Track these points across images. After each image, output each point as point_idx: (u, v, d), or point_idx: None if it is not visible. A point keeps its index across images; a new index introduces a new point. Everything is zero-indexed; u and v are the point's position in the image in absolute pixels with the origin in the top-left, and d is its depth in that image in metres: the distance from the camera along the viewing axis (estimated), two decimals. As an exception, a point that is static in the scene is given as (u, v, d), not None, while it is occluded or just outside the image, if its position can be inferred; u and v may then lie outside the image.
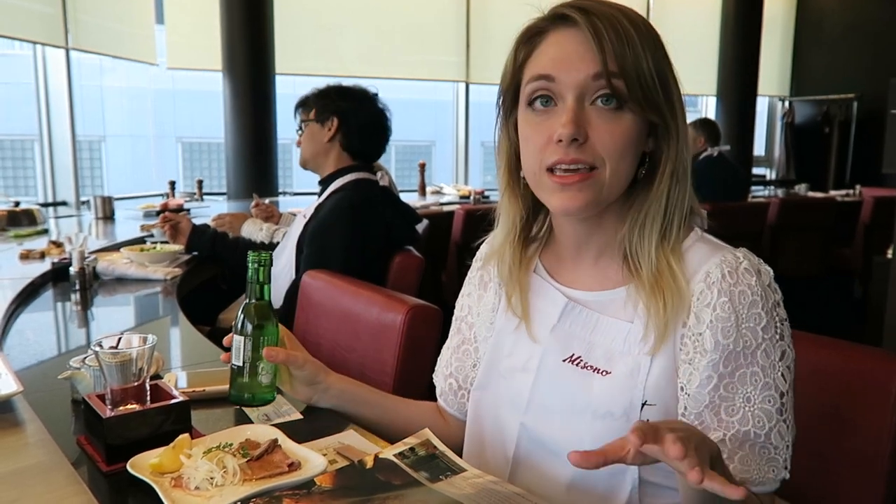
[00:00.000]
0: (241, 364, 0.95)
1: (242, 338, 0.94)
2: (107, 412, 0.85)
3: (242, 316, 0.95)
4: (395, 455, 0.82)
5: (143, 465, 0.79)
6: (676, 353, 0.80)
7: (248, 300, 0.95)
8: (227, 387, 1.00)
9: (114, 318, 1.79)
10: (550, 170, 0.78)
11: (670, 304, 0.78)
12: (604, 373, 0.82)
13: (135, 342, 0.90)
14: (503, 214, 0.92)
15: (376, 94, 2.12)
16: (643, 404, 0.80)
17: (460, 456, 0.95)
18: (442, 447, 0.84)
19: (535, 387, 0.87)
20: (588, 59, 0.76)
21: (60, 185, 4.54)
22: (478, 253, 1.04)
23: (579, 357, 0.84)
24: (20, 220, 3.11)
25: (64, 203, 4.50)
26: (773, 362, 0.78)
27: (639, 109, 0.76)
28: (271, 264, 0.96)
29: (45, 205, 4.33)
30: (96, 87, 11.67)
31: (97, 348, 0.87)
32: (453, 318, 1.06)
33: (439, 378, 1.06)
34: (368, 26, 5.63)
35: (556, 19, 0.80)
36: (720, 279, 0.78)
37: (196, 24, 5.02)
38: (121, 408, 0.87)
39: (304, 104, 2.13)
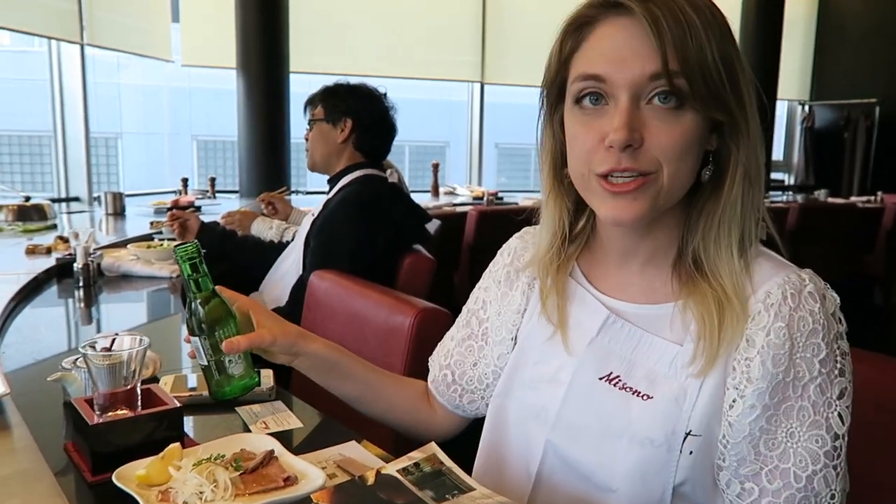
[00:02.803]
0: (206, 364, 0.88)
1: (198, 338, 0.87)
2: (94, 418, 0.81)
3: (190, 316, 0.87)
4: (398, 471, 0.76)
5: (129, 476, 0.74)
6: (726, 379, 0.72)
7: (189, 299, 0.87)
8: None
9: (117, 315, 1.75)
10: (602, 175, 0.71)
11: (731, 324, 0.71)
12: (645, 396, 0.75)
13: (127, 343, 0.85)
14: (548, 217, 0.84)
15: (385, 94, 2.09)
16: (687, 434, 0.73)
17: (472, 466, 0.90)
18: (449, 463, 0.78)
19: (565, 402, 0.79)
20: (644, 56, 0.67)
21: (74, 181, 4.54)
22: (506, 245, 0.95)
23: (618, 377, 0.77)
24: (30, 214, 3.09)
25: (77, 199, 4.49)
26: (829, 400, 0.70)
27: (702, 107, 0.68)
28: (199, 254, 0.87)
29: (58, 200, 4.32)
30: (114, 85, 11.73)
31: (86, 350, 0.82)
32: (464, 308, 0.98)
33: (435, 365, 1.00)
34: (383, 25, 5.59)
35: (608, 6, 0.70)
36: (780, 301, 0.71)
37: (211, 21, 5.00)
38: (109, 413, 0.82)
39: (311, 102, 2.10)
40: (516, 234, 0.95)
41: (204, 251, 2.28)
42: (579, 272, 0.85)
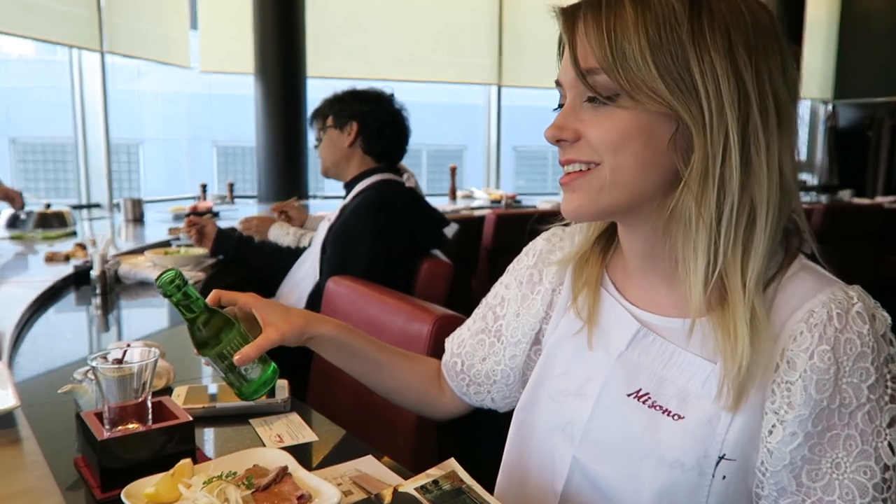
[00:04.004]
0: (224, 376, 0.87)
1: (208, 357, 0.86)
2: (103, 433, 0.78)
3: (192, 336, 0.86)
4: (416, 489, 0.73)
5: (137, 494, 0.71)
6: (764, 403, 0.68)
7: (187, 323, 0.86)
8: (240, 403, 0.99)
9: (133, 323, 1.74)
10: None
11: (745, 349, 0.65)
12: (675, 416, 0.71)
13: (138, 355, 0.83)
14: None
15: (392, 95, 2.07)
16: (720, 458, 0.68)
17: (494, 483, 0.87)
18: (469, 480, 0.75)
19: (592, 417, 0.76)
20: (570, 60, 0.69)
21: (95, 188, 4.58)
22: (532, 245, 0.92)
23: (647, 394, 0.73)
24: (50, 221, 3.10)
25: (97, 205, 4.53)
26: (878, 428, 0.65)
27: (630, 103, 0.65)
28: (183, 279, 0.84)
29: (79, 207, 4.36)
30: (134, 92, 11.87)
31: (94, 362, 0.80)
32: (483, 301, 0.96)
33: (448, 349, 0.99)
34: (400, 29, 5.58)
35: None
36: (825, 322, 0.65)
37: (229, 28, 5.02)
38: (119, 428, 0.80)
39: (318, 114, 2.09)
40: (543, 235, 0.92)
41: (220, 257, 2.23)
42: (609, 281, 0.81)
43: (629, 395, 0.74)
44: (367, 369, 0.98)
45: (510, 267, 0.94)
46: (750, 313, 0.66)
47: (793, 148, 0.68)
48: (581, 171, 0.69)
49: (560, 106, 0.73)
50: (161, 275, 0.83)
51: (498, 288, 0.95)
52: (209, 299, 0.89)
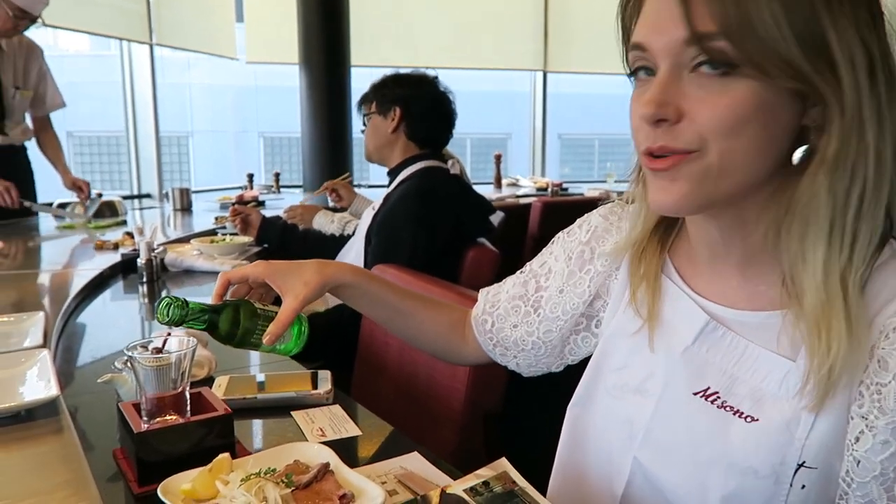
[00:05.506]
0: (262, 350, 0.89)
1: (244, 346, 0.87)
2: (140, 425, 0.76)
3: (217, 340, 0.88)
4: (465, 490, 0.68)
5: (174, 490, 0.68)
6: (851, 405, 0.60)
7: (206, 332, 0.87)
8: (282, 394, 1.00)
9: (179, 311, 1.73)
10: (645, 153, 0.61)
11: (841, 348, 0.57)
12: (748, 418, 0.63)
13: (176, 344, 0.80)
14: (636, 204, 0.74)
15: (436, 78, 2.01)
16: (799, 465, 0.61)
17: (546, 481, 0.82)
18: (522, 482, 0.69)
19: (655, 416, 0.70)
20: (678, 20, 0.57)
21: (146, 179, 4.68)
22: (587, 219, 0.84)
23: (716, 393, 0.66)
24: (102, 211, 3.15)
25: (148, 195, 4.63)
26: None
27: (759, 74, 0.55)
28: (178, 300, 0.84)
29: (130, 197, 4.46)
30: (185, 85, 12.11)
31: (131, 352, 0.77)
32: (528, 265, 0.91)
33: (480, 303, 0.95)
34: (444, 16, 5.52)
35: None
36: None
37: (274, 19, 5.04)
38: (157, 419, 0.77)
39: (364, 99, 2.06)
40: (601, 211, 0.84)
41: (265, 245, 2.22)
42: (672, 268, 0.73)
43: (696, 394, 0.67)
44: (387, 315, 0.98)
45: (560, 236, 0.88)
46: (851, 309, 0.58)
47: None
48: (681, 154, 0.59)
49: (635, 72, 0.62)
50: (159, 308, 0.83)
51: (546, 257, 0.89)
52: (217, 289, 0.90)
